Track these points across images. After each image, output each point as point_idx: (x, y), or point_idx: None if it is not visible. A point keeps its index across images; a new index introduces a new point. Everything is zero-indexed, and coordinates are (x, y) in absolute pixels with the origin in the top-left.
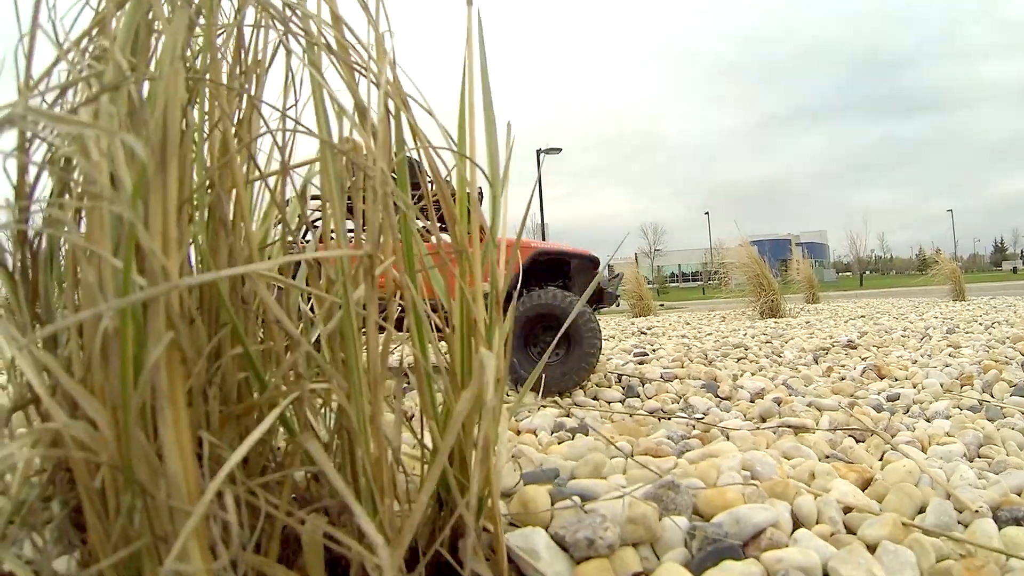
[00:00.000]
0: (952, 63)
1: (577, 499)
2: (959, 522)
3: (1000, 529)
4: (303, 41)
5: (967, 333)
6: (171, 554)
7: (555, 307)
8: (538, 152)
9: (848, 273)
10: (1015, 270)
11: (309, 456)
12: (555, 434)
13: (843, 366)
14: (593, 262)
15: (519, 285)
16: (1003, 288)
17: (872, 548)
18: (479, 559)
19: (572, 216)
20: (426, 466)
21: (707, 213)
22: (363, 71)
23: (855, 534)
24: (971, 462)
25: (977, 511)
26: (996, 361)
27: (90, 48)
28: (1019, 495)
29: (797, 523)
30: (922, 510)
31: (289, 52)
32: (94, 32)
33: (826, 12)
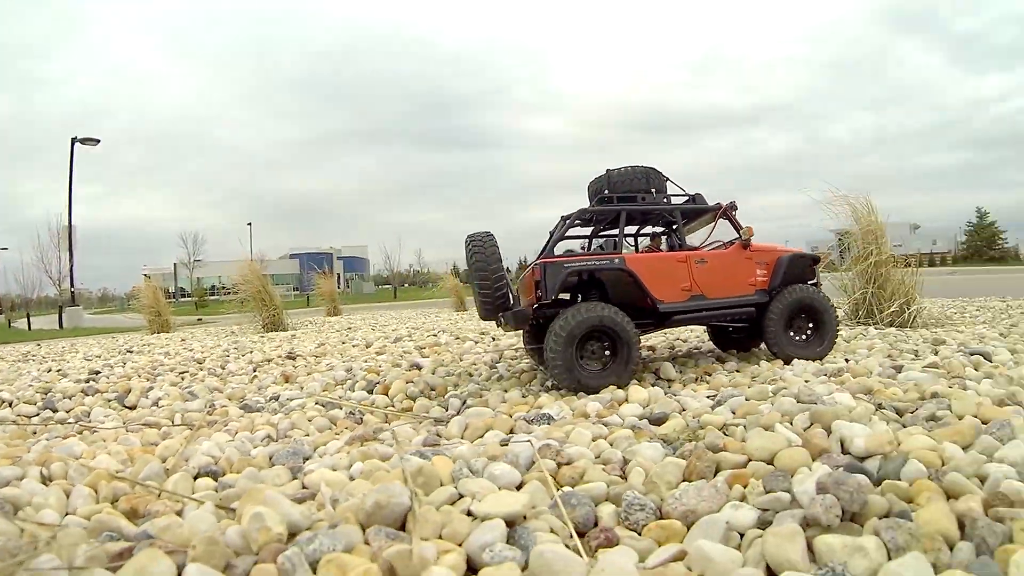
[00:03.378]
0: (501, 113)
1: None
2: None
3: None
4: None
5: (411, 340)
6: None
7: (811, 298)
8: (73, 141)
9: (388, 286)
10: None
11: None
12: None
13: (269, 373)
14: (815, 260)
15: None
16: None
17: None
18: None
19: (109, 217)
20: None
21: (250, 224)
22: None
23: None
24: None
25: None
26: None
27: None
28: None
29: None
30: None
31: None
32: None
33: (403, 49)
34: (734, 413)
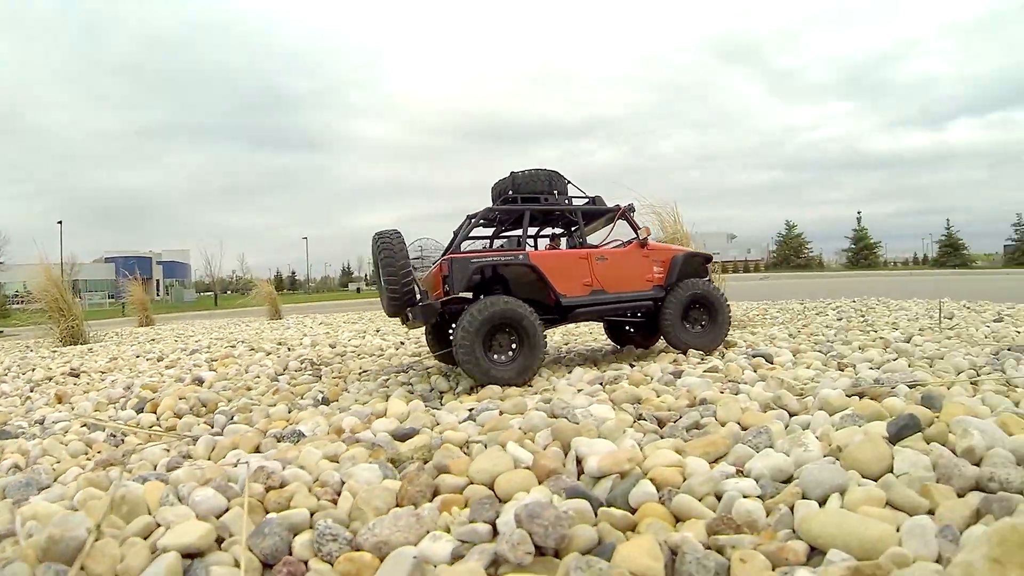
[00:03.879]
0: (334, 115)
1: None
2: None
3: None
4: None
5: (207, 352)
6: None
7: (706, 292)
8: None
9: (210, 293)
10: (359, 290)
11: None
12: None
13: (45, 393)
14: (708, 259)
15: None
16: (333, 307)
17: None
18: None
19: None
20: None
21: (60, 222)
22: None
23: None
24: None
25: None
26: (156, 383)
27: None
28: None
29: None
30: None
31: None
32: None
33: (240, 40)
34: (482, 428)
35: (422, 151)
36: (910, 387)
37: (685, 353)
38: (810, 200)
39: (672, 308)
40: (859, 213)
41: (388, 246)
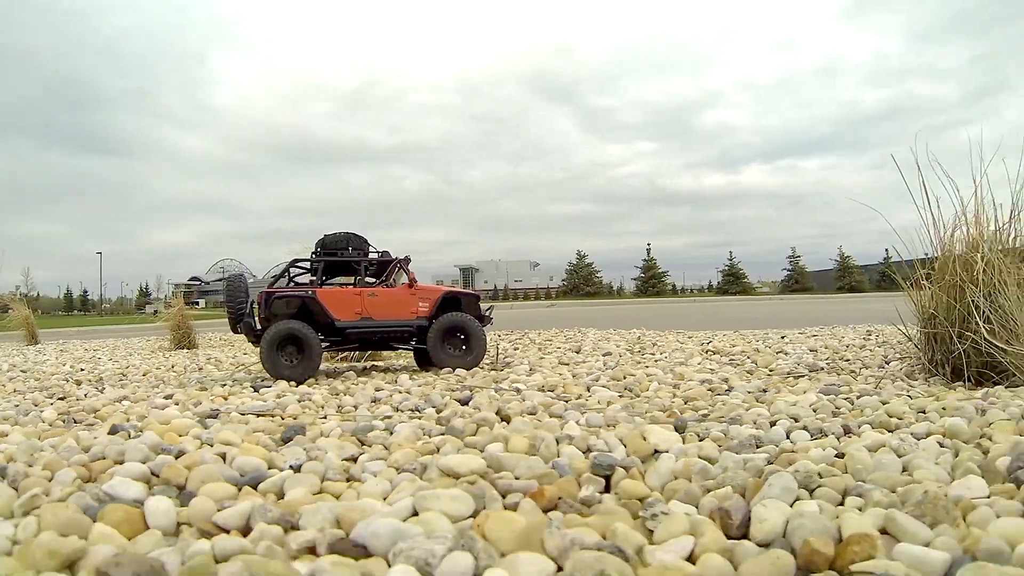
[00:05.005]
0: (146, 119)
1: None
2: None
3: None
4: None
5: None
6: None
7: (461, 322)
8: None
9: None
10: (156, 313)
11: None
12: None
13: None
14: (477, 297)
15: (439, 310)
16: (112, 331)
17: None
18: None
19: None
20: None
21: None
22: None
23: None
24: None
25: None
26: None
27: None
28: None
29: None
30: None
31: None
32: None
33: (52, 20)
34: None
35: (233, 167)
36: None
37: (453, 370)
38: (616, 232)
39: (433, 335)
40: (648, 245)
41: (231, 285)
